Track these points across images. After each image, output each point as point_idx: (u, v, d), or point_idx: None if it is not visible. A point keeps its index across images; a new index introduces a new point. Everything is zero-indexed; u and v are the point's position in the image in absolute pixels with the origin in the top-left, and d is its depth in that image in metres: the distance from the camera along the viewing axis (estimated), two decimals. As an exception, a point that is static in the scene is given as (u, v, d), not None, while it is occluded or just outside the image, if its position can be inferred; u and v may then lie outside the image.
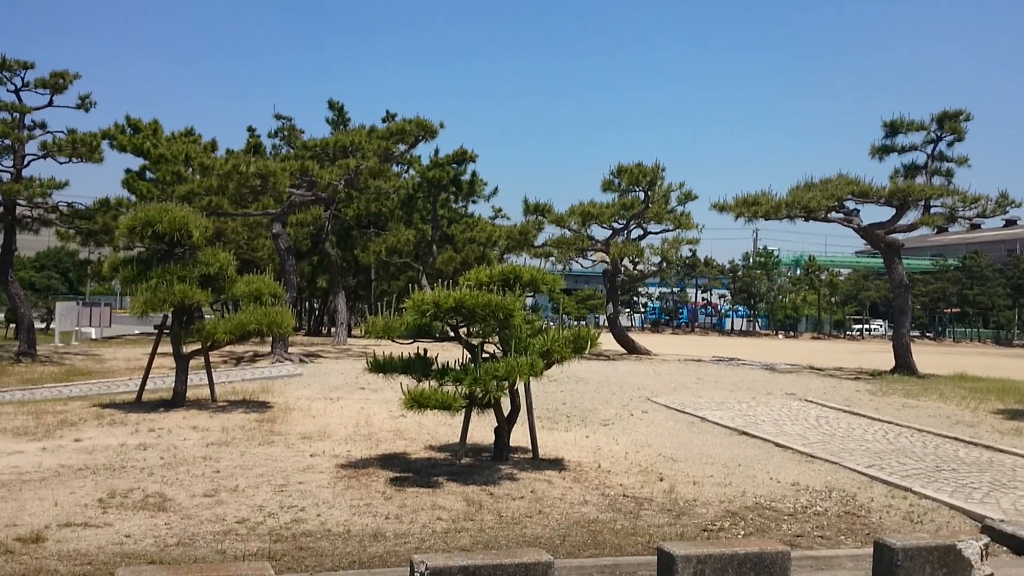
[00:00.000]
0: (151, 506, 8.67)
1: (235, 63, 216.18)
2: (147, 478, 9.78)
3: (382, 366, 10.76)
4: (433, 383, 10.42)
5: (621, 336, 32.09)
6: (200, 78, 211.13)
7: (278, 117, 35.54)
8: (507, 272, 11.21)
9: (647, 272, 35.05)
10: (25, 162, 26.93)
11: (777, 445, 12.97)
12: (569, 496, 9.69)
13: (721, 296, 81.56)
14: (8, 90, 26.93)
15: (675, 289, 78.06)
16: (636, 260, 32.10)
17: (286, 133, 35.91)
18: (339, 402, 15.84)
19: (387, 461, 11.02)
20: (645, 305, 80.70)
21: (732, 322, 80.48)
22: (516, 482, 10.13)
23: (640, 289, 74.80)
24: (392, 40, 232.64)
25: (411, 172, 41.93)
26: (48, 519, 8.11)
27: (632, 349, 31.41)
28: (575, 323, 12.60)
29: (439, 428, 13.21)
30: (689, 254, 68.54)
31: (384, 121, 34.37)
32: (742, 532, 8.71)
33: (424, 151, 39.74)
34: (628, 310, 76.03)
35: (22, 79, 26.97)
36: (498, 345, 10.98)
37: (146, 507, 8.63)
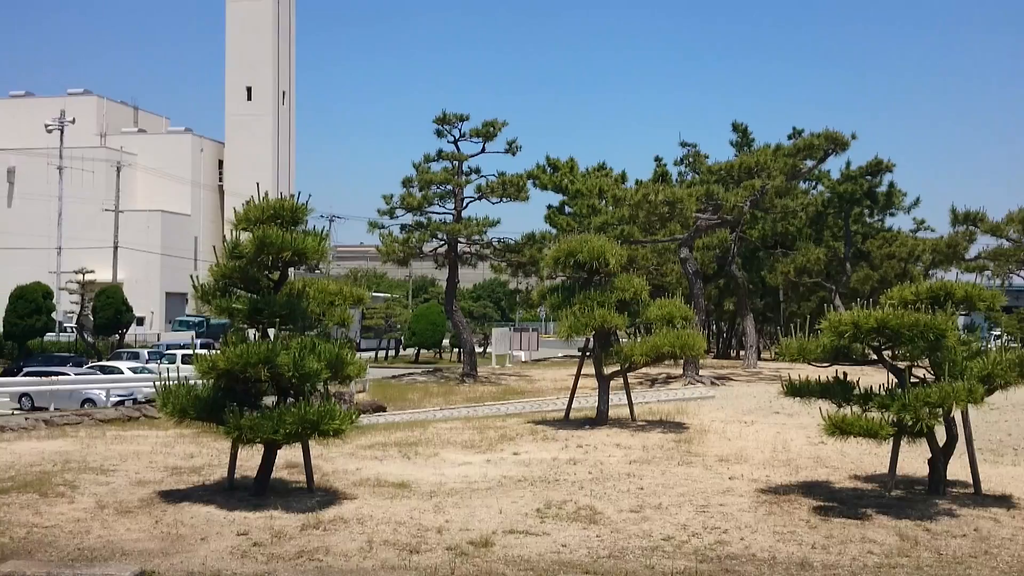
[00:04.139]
0: (583, 518, 9.29)
1: (639, 95, 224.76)
2: (578, 491, 10.49)
3: (798, 390, 10.51)
4: (855, 409, 9.96)
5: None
6: (609, 112, 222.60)
7: (683, 144, 36.21)
8: (936, 289, 10.41)
9: (1113, 284, 30.13)
10: (464, 204, 30.52)
11: None
12: (1021, 537, 8.68)
13: None
14: (448, 141, 30.79)
15: None
16: (1097, 270, 27.79)
17: (691, 159, 36.45)
18: (754, 426, 15.69)
19: (808, 488, 10.70)
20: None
21: None
22: (956, 518, 9.30)
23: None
24: (796, 54, 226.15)
25: (819, 188, 40.27)
26: (495, 525, 9.03)
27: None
28: (1021, 345, 11.24)
29: (863, 457, 12.54)
30: None
31: (790, 138, 33.41)
32: None
33: (834, 165, 37.93)
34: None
35: (459, 131, 30.63)
36: (928, 369, 10.21)
37: (578, 519, 9.26)
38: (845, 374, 10.35)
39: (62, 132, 52.98)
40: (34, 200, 59.68)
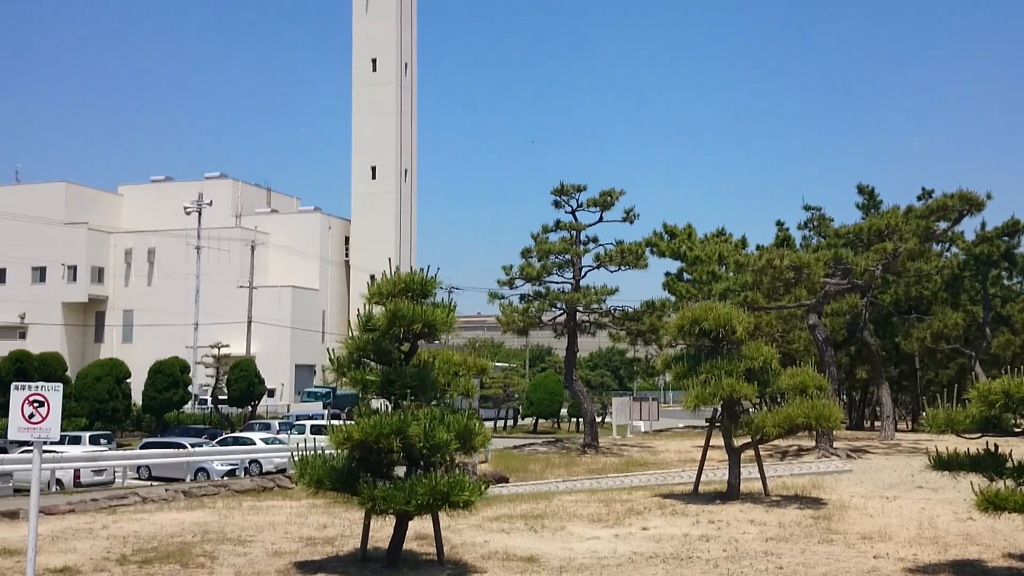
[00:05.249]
0: (719, 597, 8.97)
1: (762, 160, 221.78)
2: (713, 570, 10.15)
3: (947, 463, 9.97)
4: (1009, 482, 9.37)
5: None
6: (727, 180, 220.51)
7: (807, 208, 35.47)
8: (1094, 355, 9.76)
9: None
10: (582, 273, 30.61)
11: None
12: None
13: None
14: (566, 211, 31.09)
15: None
16: None
17: (816, 223, 35.63)
18: (896, 501, 14.92)
19: (960, 568, 10.07)
20: None
21: None
22: None
23: None
24: (926, 115, 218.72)
25: (954, 250, 38.66)
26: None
27: None
28: None
29: (1016, 533, 11.73)
30: None
31: (920, 199, 32.31)
32: None
33: (968, 226, 36.32)
34: None
35: (577, 201, 30.91)
36: (1091, 439, 9.53)
37: (714, 597, 8.95)
38: (996, 446, 9.77)
39: (200, 214, 56.05)
40: (173, 278, 63.08)
